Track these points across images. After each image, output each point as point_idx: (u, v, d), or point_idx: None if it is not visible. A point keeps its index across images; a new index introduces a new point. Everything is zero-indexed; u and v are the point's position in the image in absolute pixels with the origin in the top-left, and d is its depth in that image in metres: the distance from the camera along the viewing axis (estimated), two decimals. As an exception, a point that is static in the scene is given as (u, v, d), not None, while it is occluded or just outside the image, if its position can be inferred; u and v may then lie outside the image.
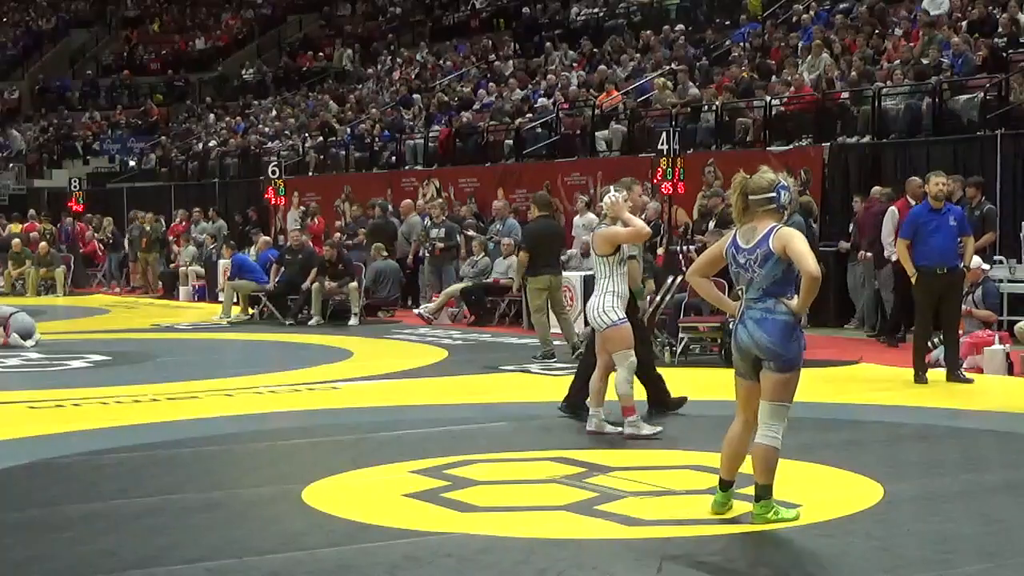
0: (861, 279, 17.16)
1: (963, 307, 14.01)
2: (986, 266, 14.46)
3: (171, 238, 28.69)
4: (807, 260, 6.66)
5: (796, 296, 6.82)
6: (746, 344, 6.84)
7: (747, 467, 7.00)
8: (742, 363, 6.92)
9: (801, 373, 6.88)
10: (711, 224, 16.84)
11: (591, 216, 20.31)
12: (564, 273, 18.37)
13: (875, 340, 16.23)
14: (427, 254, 21.27)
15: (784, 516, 6.88)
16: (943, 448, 9.43)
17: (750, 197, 6.89)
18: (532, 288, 14.87)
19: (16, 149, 42.94)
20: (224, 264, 22.92)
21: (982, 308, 14.45)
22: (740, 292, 6.94)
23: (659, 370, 10.87)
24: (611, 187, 10.31)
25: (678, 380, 11.30)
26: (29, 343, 16.72)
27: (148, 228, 28.52)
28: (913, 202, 14.76)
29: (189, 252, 26.73)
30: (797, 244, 6.71)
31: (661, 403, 10.66)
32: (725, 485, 7.07)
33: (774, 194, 6.85)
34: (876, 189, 16.71)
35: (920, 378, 12.47)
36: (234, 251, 22.72)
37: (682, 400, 10.75)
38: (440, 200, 22.89)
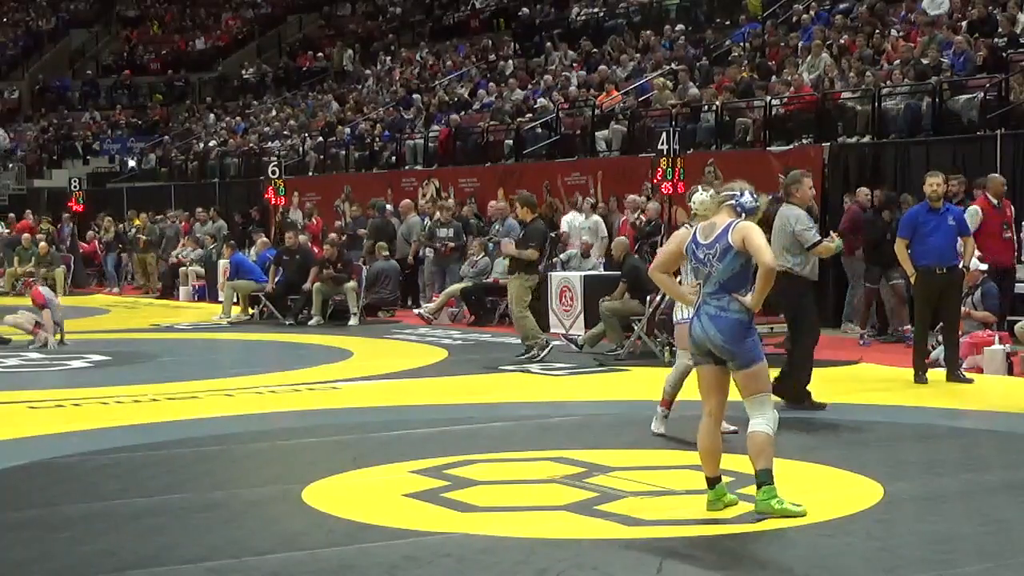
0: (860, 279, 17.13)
1: (962, 308, 14.02)
2: (983, 266, 14.42)
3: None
4: (764, 252, 6.93)
5: (751, 293, 7.01)
6: (700, 338, 7.09)
7: (747, 466, 7.02)
8: (697, 352, 7.17)
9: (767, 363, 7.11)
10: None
11: (595, 218, 20.39)
12: (564, 273, 18.53)
13: (875, 340, 16.24)
14: (432, 253, 21.32)
15: (790, 509, 6.93)
16: (943, 448, 9.43)
17: (719, 195, 7.29)
18: (525, 286, 14.85)
19: (2, 149, 42.91)
20: (224, 264, 22.92)
21: (981, 309, 14.42)
22: (698, 287, 7.21)
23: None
24: (698, 186, 10.42)
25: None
26: (42, 335, 16.69)
27: (144, 228, 28.53)
28: (995, 200, 14.89)
29: (196, 253, 26.65)
30: (755, 238, 6.97)
31: (797, 399, 10.94)
32: (712, 482, 7.20)
33: (735, 192, 7.19)
34: (861, 190, 16.75)
35: (920, 378, 12.47)
36: (235, 251, 22.72)
37: (821, 405, 10.93)
38: (451, 201, 22.98)
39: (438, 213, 22.32)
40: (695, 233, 7.21)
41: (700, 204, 9.83)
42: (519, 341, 15.07)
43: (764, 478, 6.95)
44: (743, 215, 7.10)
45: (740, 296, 6.98)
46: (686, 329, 9.72)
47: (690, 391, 9.98)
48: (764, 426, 6.96)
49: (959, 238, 12.64)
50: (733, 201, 7.13)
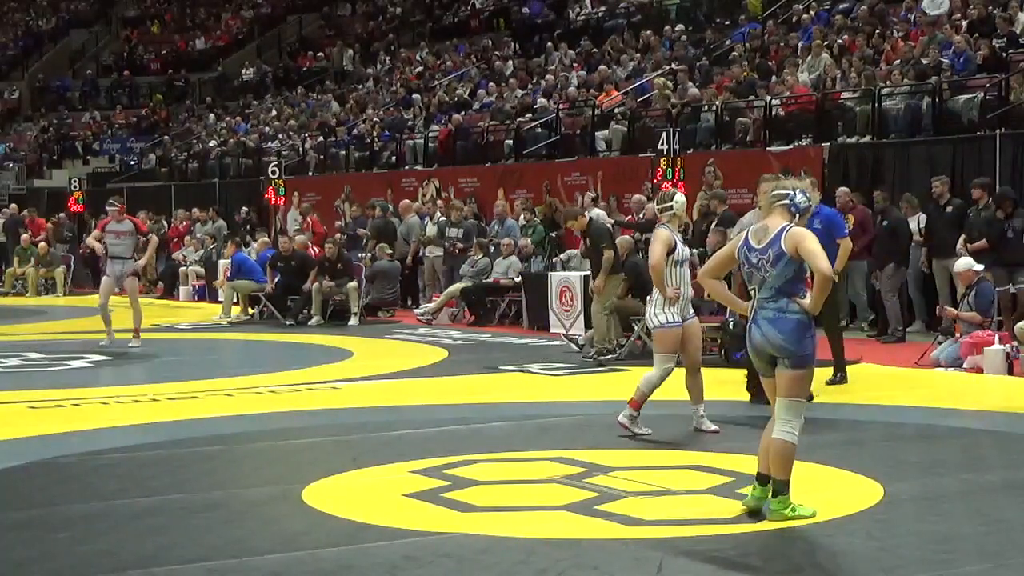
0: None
1: (955, 309, 14.03)
2: (979, 267, 14.39)
3: (172, 238, 28.66)
4: (819, 259, 6.73)
5: (808, 295, 6.88)
6: (760, 343, 6.91)
7: (748, 466, 7.01)
8: (759, 362, 7.00)
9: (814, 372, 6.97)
10: (713, 224, 16.84)
11: (597, 211, 20.39)
12: (564, 273, 18.52)
13: (875, 340, 16.23)
14: (443, 252, 21.35)
15: (801, 513, 6.91)
16: (943, 448, 9.44)
17: (769, 194, 7.06)
18: (618, 287, 15.04)
19: None
20: (224, 264, 22.91)
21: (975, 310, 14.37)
22: (752, 292, 7.00)
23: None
24: (675, 189, 10.59)
25: (677, 379, 11.30)
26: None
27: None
28: None
29: (198, 254, 26.63)
30: (809, 243, 6.79)
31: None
32: (762, 479, 7.07)
33: (789, 192, 6.97)
34: (842, 190, 16.71)
35: (832, 378, 12.29)
36: (237, 248, 22.71)
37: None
38: (458, 201, 23.02)
39: (439, 213, 22.32)
40: (747, 237, 7.01)
41: (680, 205, 9.99)
42: (520, 341, 15.07)
43: (781, 488, 6.91)
44: (797, 216, 6.94)
45: (799, 299, 6.84)
46: (668, 333, 9.74)
47: (670, 391, 10.02)
48: (790, 435, 6.86)
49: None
50: (786, 201, 6.94)
